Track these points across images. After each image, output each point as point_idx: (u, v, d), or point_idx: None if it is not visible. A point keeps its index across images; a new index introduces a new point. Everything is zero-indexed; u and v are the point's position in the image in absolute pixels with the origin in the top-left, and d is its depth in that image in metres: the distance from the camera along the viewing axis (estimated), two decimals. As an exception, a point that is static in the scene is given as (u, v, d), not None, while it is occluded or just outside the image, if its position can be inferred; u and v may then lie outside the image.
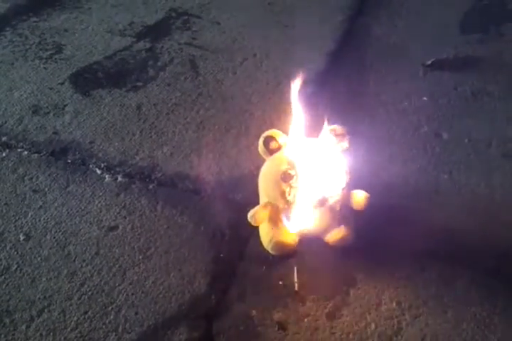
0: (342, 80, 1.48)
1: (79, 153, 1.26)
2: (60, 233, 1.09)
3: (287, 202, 0.98)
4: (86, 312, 0.96)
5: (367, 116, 1.37)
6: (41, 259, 1.04)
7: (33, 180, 1.19)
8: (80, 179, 1.20)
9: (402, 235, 1.08)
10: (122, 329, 0.94)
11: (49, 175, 1.20)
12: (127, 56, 1.57)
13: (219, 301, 0.98)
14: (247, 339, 0.93)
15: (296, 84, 0.98)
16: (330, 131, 1.00)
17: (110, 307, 0.97)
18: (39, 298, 0.98)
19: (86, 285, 1.00)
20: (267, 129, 1.04)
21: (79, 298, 0.98)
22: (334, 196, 0.98)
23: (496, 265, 1.04)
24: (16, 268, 1.02)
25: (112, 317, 0.95)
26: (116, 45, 1.61)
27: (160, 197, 1.16)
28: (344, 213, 1.02)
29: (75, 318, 0.95)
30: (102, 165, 1.23)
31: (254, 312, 0.96)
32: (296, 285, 1.00)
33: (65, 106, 1.39)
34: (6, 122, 1.34)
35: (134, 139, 1.30)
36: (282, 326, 0.95)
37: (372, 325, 0.94)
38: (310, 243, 1.04)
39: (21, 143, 1.28)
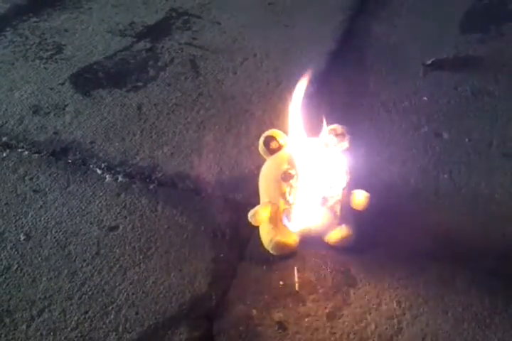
0: (342, 80, 1.48)
1: (79, 153, 1.26)
2: (61, 233, 1.09)
3: (288, 202, 0.99)
4: (86, 312, 0.96)
5: (367, 115, 1.37)
6: (42, 259, 1.04)
7: (34, 180, 1.19)
8: (81, 179, 1.20)
9: (403, 235, 1.08)
10: (123, 329, 0.94)
11: (49, 175, 1.20)
12: (128, 56, 1.57)
13: (219, 301, 0.98)
14: (247, 339, 0.93)
15: (298, 85, 0.98)
16: (330, 130, 1.01)
17: (110, 307, 0.97)
18: (39, 298, 0.98)
19: (86, 285, 1.00)
20: (268, 129, 1.04)
21: (79, 298, 0.98)
22: (334, 196, 0.98)
23: (497, 265, 1.03)
24: (17, 268, 1.02)
25: (112, 316, 0.95)
26: (117, 45, 1.61)
27: (160, 197, 1.16)
28: (344, 213, 1.02)
29: (76, 318, 0.95)
30: (103, 165, 1.23)
31: (254, 312, 0.96)
32: (296, 285, 1.00)
33: (65, 106, 1.39)
34: (6, 122, 1.34)
35: (134, 139, 1.30)
36: (282, 326, 0.95)
37: (373, 325, 0.94)
38: (310, 243, 1.04)
39: (22, 143, 1.28)
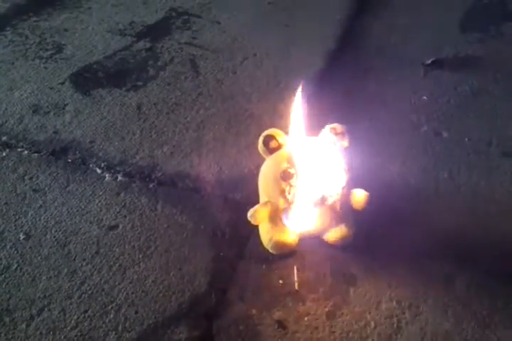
0: (342, 79, 1.48)
1: (79, 153, 1.26)
2: (60, 232, 1.09)
3: (287, 201, 0.98)
4: (86, 311, 0.96)
5: (367, 115, 1.37)
6: (41, 258, 1.04)
7: (33, 179, 1.19)
8: (80, 178, 1.20)
9: (402, 234, 1.08)
10: (122, 328, 0.94)
11: (49, 175, 1.20)
12: (127, 56, 1.57)
13: (219, 300, 0.98)
14: (247, 338, 0.93)
15: (298, 85, 0.98)
16: (330, 129, 1.00)
17: (110, 306, 0.97)
18: (39, 297, 0.98)
19: (86, 284, 1.00)
20: (267, 128, 1.04)
21: (79, 297, 0.98)
22: (334, 195, 0.98)
23: (496, 264, 1.04)
24: (16, 267, 1.02)
25: (111, 316, 0.95)
26: (117, 45, 1.61)
27: (160, 197, 1.16)
28: (344, 212, 1.02)
29: (75, 317, 0.95)
30: (102, 164, 1.23)
31: (254, 311, 0.96)
32: (296, 284, 1.00)
33: (65, 105, 1.39)
34: (6, 122, 1.34)
35: (134, 138, 1.30)
36: (282, 325, 0.95)
37: (372, 324, 0.94)
38: (310, 242, 1.04)
39: (21, 143, 1.28)
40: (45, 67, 1.52)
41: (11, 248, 1.06)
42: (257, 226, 1.05)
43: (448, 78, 1.49)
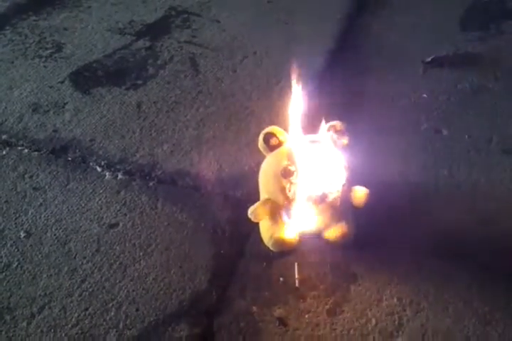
0: (342, 77, 1.48)
1: (79, 151, 1.26)
2: (61, 230, 1.09)
3: (287, 199, 0.98)
4: (87, 309, 0.96)
5: (367, 112, 1.37)
6: (42, 256, 1.04)
7: (34, 177, 1.19)
8: (81, 176, 1.20)
9: (402, 231, 1.08)
10: (123, 326, 0.94)
11: (49, 173, 1.20)
12: (127, 54, 1.57)
13: (220, 297, 0.98)
14: (247, 336, 0.93)
15: (296, 82, 0.98)
16: (330, 127, 1.00)
17: (111, 304, 0.97)
18: (40, 295, 0.98)
19: (87, 282, 1.00)
20: (267, 126, 1.04)
21: (79, 295, 0.98)
22: (334, 192, 0.98)
23: (497, 260, 1.03)
24: (17, 266, 1.02)
25: (112, 313, 0.95)
26: (116, 44, 1.61)
27: (160, 195, 1.16)
28: (344, 209, 1.02)
29: (76, 315, 0.95)
30: (103, 162, 1.23)
31: (254, 308, 0.96)
32: (296, 281, 1.00)
33: (65, 104, 1.39)
34: (6, 120, 1.34)
35: (134, 137, 1.30)
36: (283, 322, 0.95)
37: (373, 321, 0.94)
38: (310, 239, 1.04)
39: (21, 141, 1.28)
40: (44, 66, 1.52)
41: (11, 246, 1.06)
42: (257, 224, 1.05)
43: (448, 76, 1.49)
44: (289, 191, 0.98)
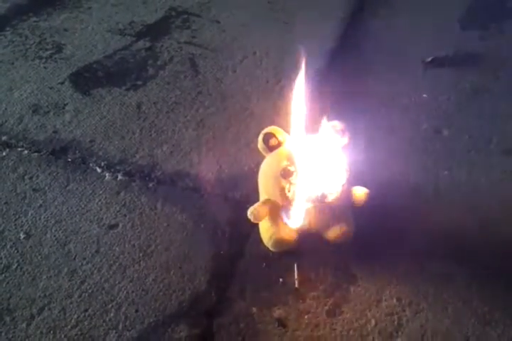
0: (342, 77, 1.48)
1: (79, 152, 1.26)
2: (61, 231, 1.09)
3: (287, 199, 0.98)
4: (86, 310, 0.96)
5: (367, 113, 1.37)
6: (41, 257, 1.04)
7: (33, 178, 1.19)
8: (80, 177, 1.20)
9: (402, 232, 1.08)
10: (123, 327, 0.94)
11: (49, 174, 1.21)
12: (127, 55, 1.57)
13: (219, 298, 0.98)
14: (247, 336, 0.93)
15: (297, 82, 0.98)
16: (330, 127, 1.00)
17: (110, 305, 0.97)
18: (39, 296, 0.98)
19: (86, 283, 1.00)
20: (267, 127, 1.03)
21: (79, 296, 0.98)
22: (334, 193, 0.98)
23: (497, 261, 1.03)
24: (17, 267, 1.02)
25: (112, 314, 0.95)
26: (116, 45, 1.61)
27: (160, 195, 1.16)
28: (344, 210, 1.02)
29: (76, 316, 0.95)
30: (102, 163, 1.23)
31: (254, 309, 0.96)
32: (296, 282, 1.00)
33: (65, 105, 1.39)
34: (6, 121, 1.34)
35: (134, 138, 1.30)
36: (282, 323, 0.95)
37: (373, 322, 0.94)
38: (310, 240, 1.04)
39: (21, 142, 1.28)
40: (44, 67, 1.52)
41: (11, 247, 1.06)
42: (257, 225, 1.05)
43: (448, 76, 1.49)
44: (289, 191, 0.98)
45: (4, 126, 1.33)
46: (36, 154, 1.25)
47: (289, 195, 0.98)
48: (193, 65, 1.53)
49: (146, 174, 1.21)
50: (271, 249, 1.03)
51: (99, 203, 1.14)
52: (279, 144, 1.02)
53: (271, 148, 1.02)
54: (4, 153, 1.25)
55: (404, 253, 1.05)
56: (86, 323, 0.94)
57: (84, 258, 1.04)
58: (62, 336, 0.93)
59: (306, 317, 0.95)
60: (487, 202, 1.15)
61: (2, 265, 1.03)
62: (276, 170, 0.98)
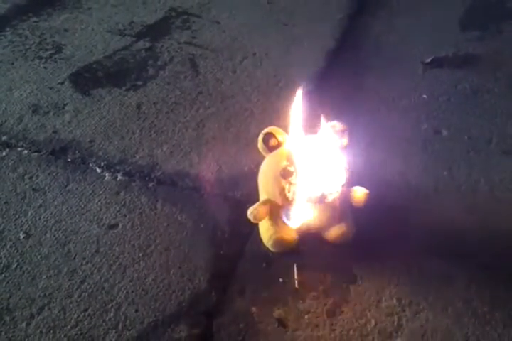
0: (341, 78, 1.48)
1: (79, 152, 1.26)
2: (60, 231, 1.09)
3: (287, 199, 0.98)
4: (86, 310, 0.96)
5: (367, 113, 1.37)
6: (41, 257, 1.04)
7: (33, 178, 1.19)
8: (80, 177, 1.20)
9: (402, 232, 1.08)
10: (122, 327, 0.94)
11: (49, 174, 1.21)
12: (127, 55, 1.57)
13: (219, 298, 0.98)
14: (247, 336, 0.93)
15: (297, 84, 0.98)
16: (329, 127, 1.00)
17: (110, 305, 0.97)
18: (39, 296, 0.98)
19: (86, 283, 1.00)
20: (267, 127, 1.04)
21: (79, 296, 0.98)
22: (333, 193, 0.98)
23: (497, 261, 1.03)
24: (16, 266, 1.02)
25: (112, 314, 0.95)
26: (116, 45, 1.61)
27: (160, 195, 1.16)
28: (343, 210, 1.02)
29: (75, 316, 0.95)
30: (102, 163, 1.23)
31: (254, 309, 0.96)
32: (296, 282, 1.00)
33: (64, 105, 1.39)
34: (6, 121, 1.34)
35: (133, 138, 1.30)
36: (282, 323, 0.94)
37: (373, 322, 0.94)
38: (310, 240, 1.04)
39: (21, 142, 1.28)
40: (44, 67, 1.52)
41: (11, 247, 1.06)
42: (256, 225, 1.05)
43: (448, 76, 1.49)
44: (289, 192, 0.98)
45: (4, 126, 1.33)
46: (36, 154, 1.25)
47: (289, 195, 0.98)
48: (193, 66, 1.53)
49: (146, 174, 1.21)
50: (271, 249, 1.03)
51: (99, 203, 1.14)
52: (279, 144, 1.02)
53: (271, 149, 1.02)
54: (4, 153, 1.25)
55: (404, 253, 1.04)
56: (86, 323, 0.94)
57: (84, 258, 1.04)
58: (62, 336, 0.92)
59: (306, 317, 0.95)
60: (487, 202, 1.15)
61: (2, 265, 1.03)
62: (276, 170, 0.98)
